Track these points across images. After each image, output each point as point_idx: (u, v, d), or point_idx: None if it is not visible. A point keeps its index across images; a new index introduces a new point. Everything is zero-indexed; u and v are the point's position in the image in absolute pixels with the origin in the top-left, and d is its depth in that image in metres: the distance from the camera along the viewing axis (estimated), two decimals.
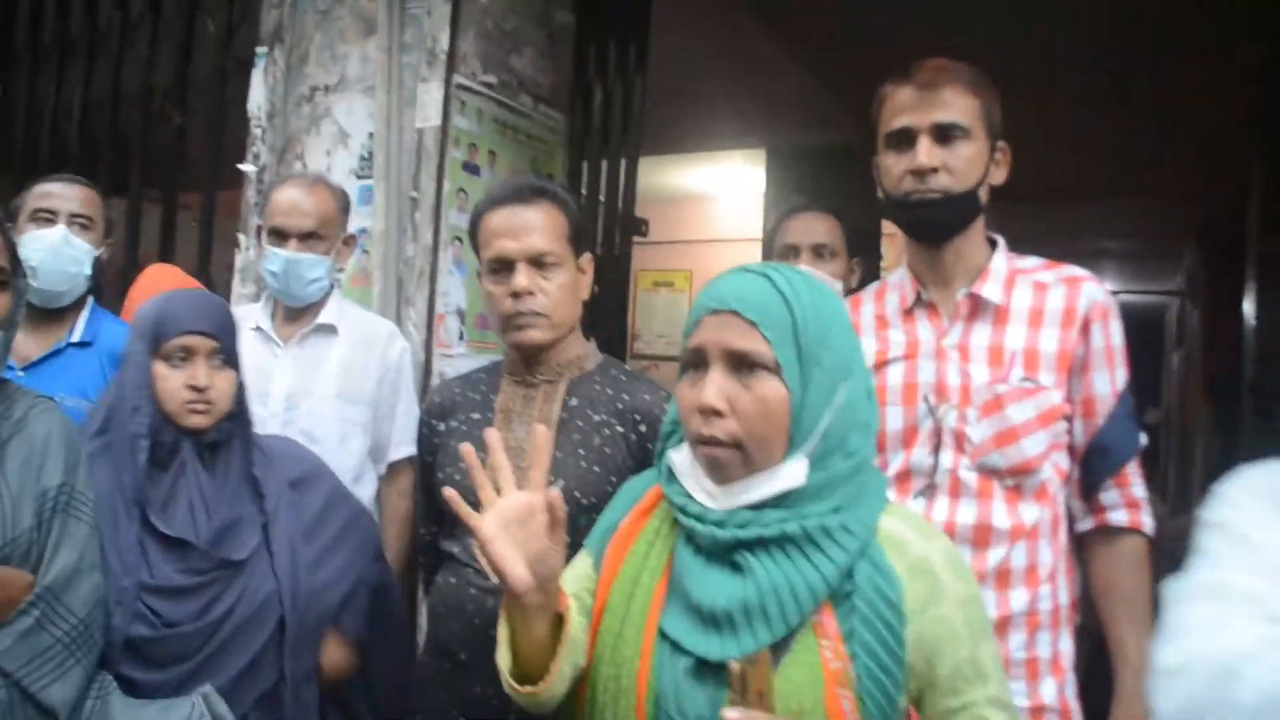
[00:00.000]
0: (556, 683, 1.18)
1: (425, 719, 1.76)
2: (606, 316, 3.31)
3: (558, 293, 1.76)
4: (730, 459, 1.17)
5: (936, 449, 1.64)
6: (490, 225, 1.78)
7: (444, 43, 2.76)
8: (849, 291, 2.35)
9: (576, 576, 1.31)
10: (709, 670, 1.14)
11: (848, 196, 2.92)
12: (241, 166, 2.98)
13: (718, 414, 1.15)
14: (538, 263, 1.75)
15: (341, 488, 1.92)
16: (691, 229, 7.01)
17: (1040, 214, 6.44)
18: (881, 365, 1.72)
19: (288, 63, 3.00)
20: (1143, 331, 11.13)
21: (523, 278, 1.74)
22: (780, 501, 1.17)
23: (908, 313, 1.75)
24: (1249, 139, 4.83)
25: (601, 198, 3.45)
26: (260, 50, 3.03)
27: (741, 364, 1.16)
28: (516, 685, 1.19)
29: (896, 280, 1.80)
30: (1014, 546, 1.60)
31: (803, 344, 1.17)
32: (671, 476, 1.25)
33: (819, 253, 2.42)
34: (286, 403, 2.25)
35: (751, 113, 5.67)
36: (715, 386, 1.16)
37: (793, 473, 1.16)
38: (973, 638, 1.18)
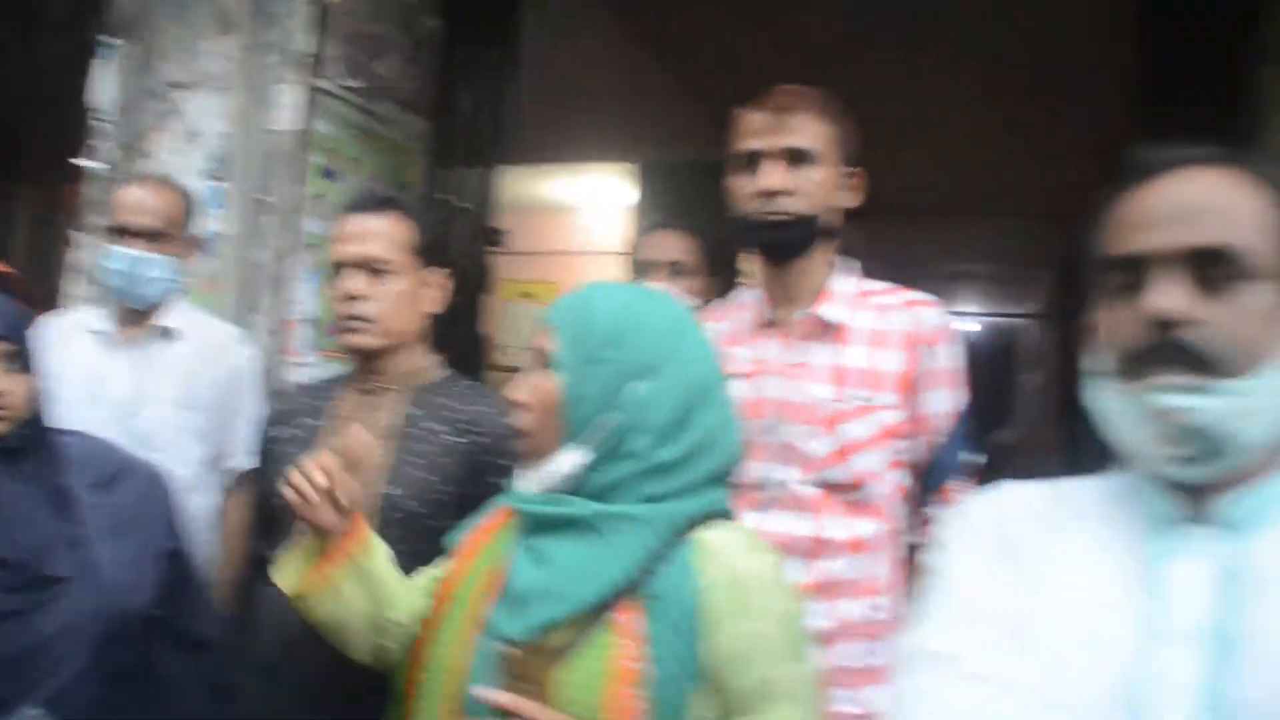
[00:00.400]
0: (328, 588, 1.34)
1: None
2: (464, 326, 3.28)
3: (390, 300, 1.77)
4: (524, 446, 1.28)
5: (777, 464, 1.69)
6: (338, 232, 1.82)
7: (305, 44, 2.70)
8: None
9: (426, 573, 1.40)
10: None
11: (719, 212, 2.97)
12: (81, 161, 2.85)
13: (524, 406, 1.28)
14: (371, 269, 1.76)
15: (155, 477, 1.84)
16: (558, 240, 7.00)
17: (903, 233, 6.70)
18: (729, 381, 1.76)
19: (138, 56, 2.89)
20: (1001, 353, 11.62)
21: (351, 282, 1.76)
22: (592, 494, 1.23)
23: (757, 330, 1.80)
24: (1108, 164, 5.11)
25: (468, 205, 3.42)
26: (110, 40, 2.91)
27: (537, 363, 1.29)
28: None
29: (751, 298, 1.85)
30: (850, 559, 1.66)
31: (590, 345, 1.24)
32: None
33: (677, 270, 2.45)
34: (124, 408, 2.18)
35: (623, 127, 5.72)
36: (524, 379, 1.30)
37: (566, 460, 1.23)
38: (780, 657, 1.18)
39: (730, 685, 1.16)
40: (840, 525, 1.67)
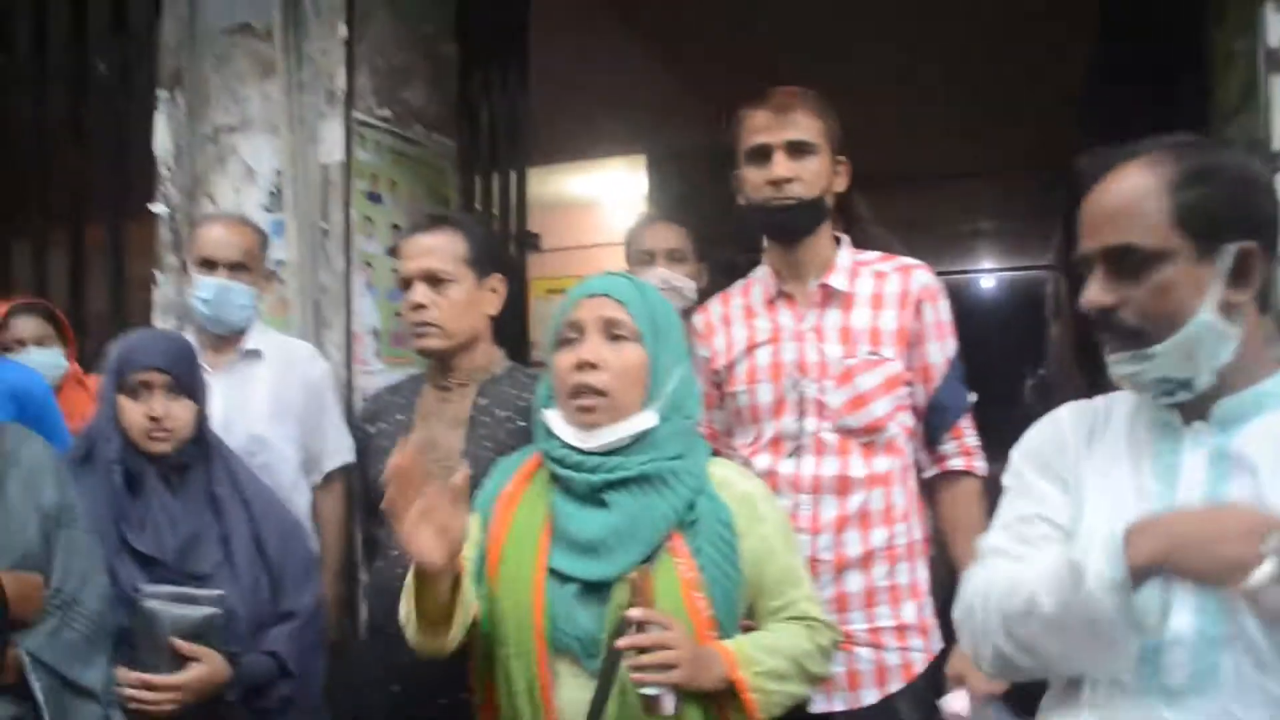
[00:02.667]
0: (456, 630, 1.46)
1: (367, 690, 2.00)
2: (505, 327, 3.53)
3: (450, 306, 2.03)
4: (601, 404, 1.51)
5: (801, 416, 1.96)
6: (401, 251, 2.10)
7: (341, 82, 2.97)
8: (701, 290, 2.64)
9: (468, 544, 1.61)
10: (592, 592, 1.47)
11: (725, 197, 3.20)
12: (152, 207, 3.13)
13: (594, 366, 1.50)
14: (432, 280, 2.03)
15: (298, 525, 2.12)
16: (580, 235, 7.23)
17: (921, 196, 6.90)
18: (751, 349, 2.03)
19: (189, 104, 3.17)
20: (1027, 305, 11.74)
21: (417, 293, 2.02)
22: (635, 448, 1.51)
23: (770, 303, 2.05)
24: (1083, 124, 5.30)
25: (495, 212, 3.69)
26: (160, 93, 3.18)
27: (611, 331, 1.52)
28: (422, 635, 1.47)
29: (759, 276, 2.12)
30: (872, 492, 1.92)
31: (657, 325, 1.54)
32: (548, 433, 1.57)
33: (673, 257, 2.68)
34: (223, 426, 2.43)
35: (631, 120, 5.98)
36: (592, 346, 1.50)
37: (646, 419, 1.51)
38: (787, 551, 1.57)
39: (760, 578, 1.53)
40: (861, 464, 1.93)
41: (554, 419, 1.56)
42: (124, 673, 1.72)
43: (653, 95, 5.57)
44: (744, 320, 2.08)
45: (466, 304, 2.05)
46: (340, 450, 2.56)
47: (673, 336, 1.57)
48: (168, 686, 1.73)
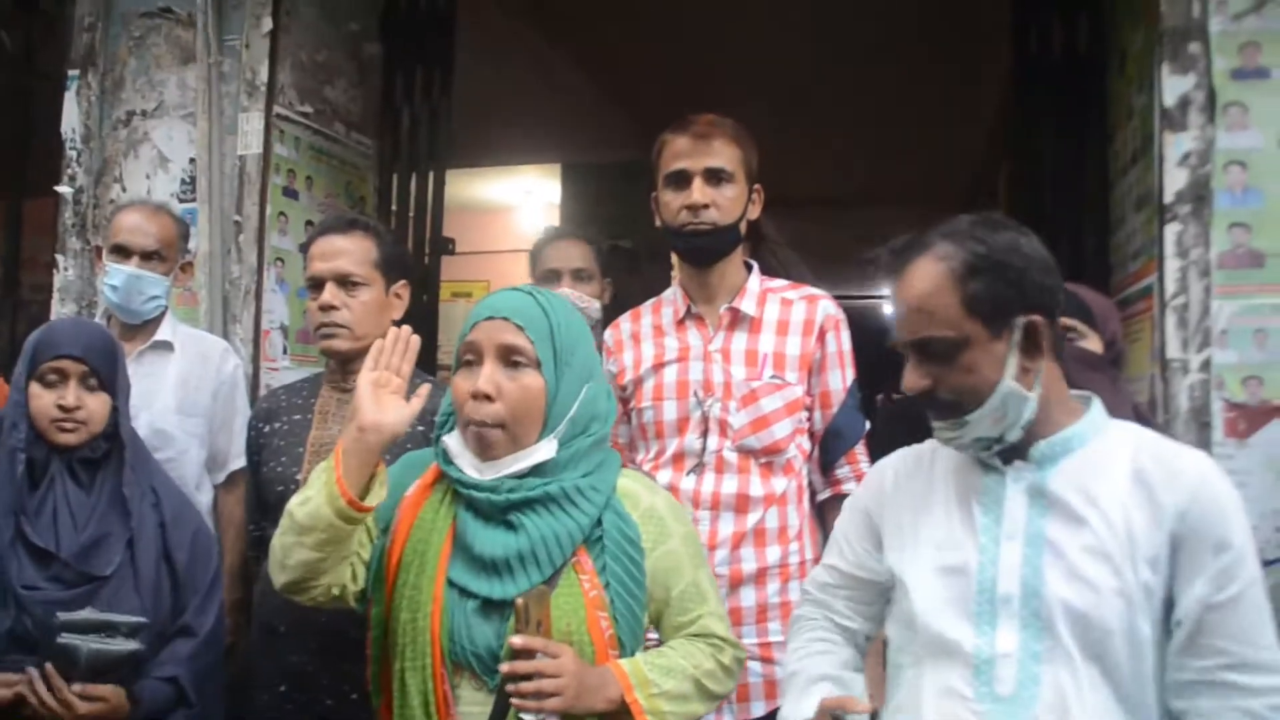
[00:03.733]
0: (372, 501, 1.46)
1: (256, 691, 2.00)
2: (415, 329, 3.52)
3: (360, 309, 2.05)
4: (495, 438, 1.46)
5: (705, 434, 2.03)
6: (311, 250, 2.09)
7: (263, 75, 2.96)
8: (606, 308, 2.65)
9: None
10: (493, 608, 1.45)
11: (636, 210, 3.26)
12: (58, 188, 3.06)
13: (489, 398, 1.46)
14: (343, 282, 2.04)
15: (209, 537, 2.04)
16: (490, 240, 7.23)
17: (825, 223, 7.08)
18: (659, 366, 2.09)
19: (101, 86, 3.11)
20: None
21: (328, 294, 2.03)
22: (538, 470, 1.49)
23: (679, 323, 2.12)
24: (999, 149, 5.53)
25: (411, 214, 3.69)
26: (72, 73, 3.11)
27: (509, 358, 1.48)
28: (345, 498, 1.42)
29: (669, 296, 2.19)
30: (768, 511, 2.00)
31: (558, 348, 1.50)
32: (447, 458, 1.54)
33: (578, 276, 2.67)
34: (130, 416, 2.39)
35: (547, 130, 6.02)
36: (487, 376, 1.46)
37: (545, 450, 1.49)
38: (694, 567, 1.56)
39: (666, 594, 1.54)
40: (759, 484, 2.01)
41: (454, 444, 1.53)
42: (35, 679, 1.66)
43: (570, 106, 5.62)
44: (653, 338, 2.14)
45: (375, 307, 2.07)
46: (240, 454, 2.52)
47: (578, 354, 1.53)
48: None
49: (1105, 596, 1.25)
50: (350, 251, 2.05)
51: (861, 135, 6.00)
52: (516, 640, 1.37)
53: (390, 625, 1.50)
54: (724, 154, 2.03)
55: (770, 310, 2.09)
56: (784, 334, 2.06)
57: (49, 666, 1.67)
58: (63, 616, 1.70)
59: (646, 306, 2.23)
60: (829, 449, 2.09)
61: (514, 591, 1.43)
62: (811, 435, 2.10)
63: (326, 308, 2.03)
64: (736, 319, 2.08)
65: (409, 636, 1.46)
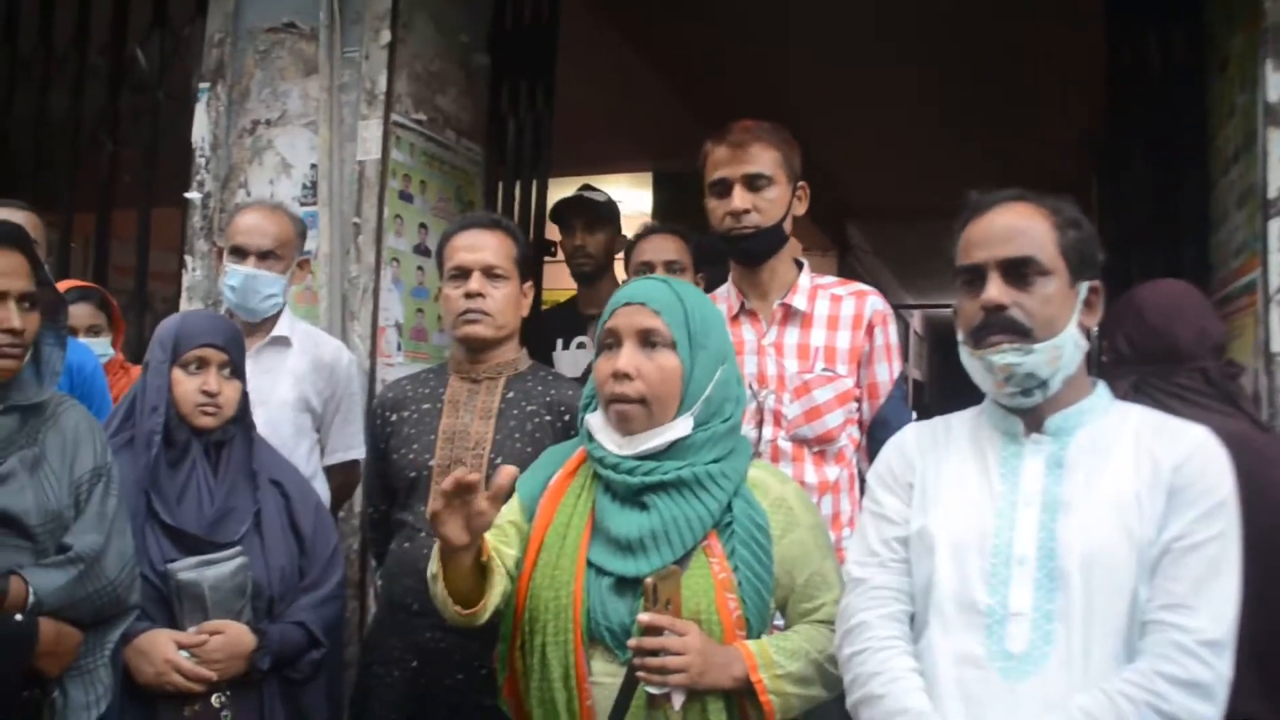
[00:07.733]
0: (490, 602, 1.53)
1: (381, 667, 2.08)
2: (522, 330, 3.64)
3: (502, 299, 2.13)
4: (636, 413, 1.54)
5: (760, 424, 2.09)
6: (455, 243, 2.17)
7: (382, 84, 3.09)
8: None
9: (507, 512, 1.66)
10: (626, 586, 1.52)
11: None
12: (186, 195, 3.23)
13: (629, 377, 1.54)
14: (488, 273, 2.13)
15: (326, 510, 2.15)
16: None
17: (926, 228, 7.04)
18: None
19: (229, 98, 3.27)
20: None
21: (475, 282, 2.11)
22: (673, 453, 1.56)
23: (734, 319, 2.17)
24: (1087, 164, 5.47)
25: (515, 218, 3.80)
26: (202, 86, 3.29)
27: (646, 340, 1.57)
28: (457, 609, 1.51)
29: (723, 293, 2.25)
30: (822, 498, 2.06)
31: (692, 330, 1.58)
32: (590, 436, 1.63)
33: (671, 268, 2.74)
34: None
35: (639, 140, 6.12)
36: (627, 356, 1.56)
37: (681, 426, 1.56)
38: (820, 557, 1.62)
39: (792, 581, 1.60)
40: (813, 471, 2.08)
41: (595, 422, 1.61)
42: (169, 644, 1.79)
43: (661, 117, 5.72)
44: None
45: (513, 301, 2.16)
46: (352, 446, 2.63)
47: (712, 337, 1.61)
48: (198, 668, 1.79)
49: (1118, 554, 1.32)
50: (494, 246, 2.15)
51: (950, 148, 5.99)
52: (644, 617, 1.44)
53: (531, 603, 1.57)
54: (761, 159, 2.10)
55: (821, 306, 2.16)
56: (834, 328, 2.13)
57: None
58: (172, 566, 1.82)
59: None
60: (876, 438, 2.11)
61: (646, 570, 1.50)
62: (860, 425, 2.16)
63: (473, 295, 2.10)
64: (789, 314, 2.15)
65: (551, 613, 1.54)
